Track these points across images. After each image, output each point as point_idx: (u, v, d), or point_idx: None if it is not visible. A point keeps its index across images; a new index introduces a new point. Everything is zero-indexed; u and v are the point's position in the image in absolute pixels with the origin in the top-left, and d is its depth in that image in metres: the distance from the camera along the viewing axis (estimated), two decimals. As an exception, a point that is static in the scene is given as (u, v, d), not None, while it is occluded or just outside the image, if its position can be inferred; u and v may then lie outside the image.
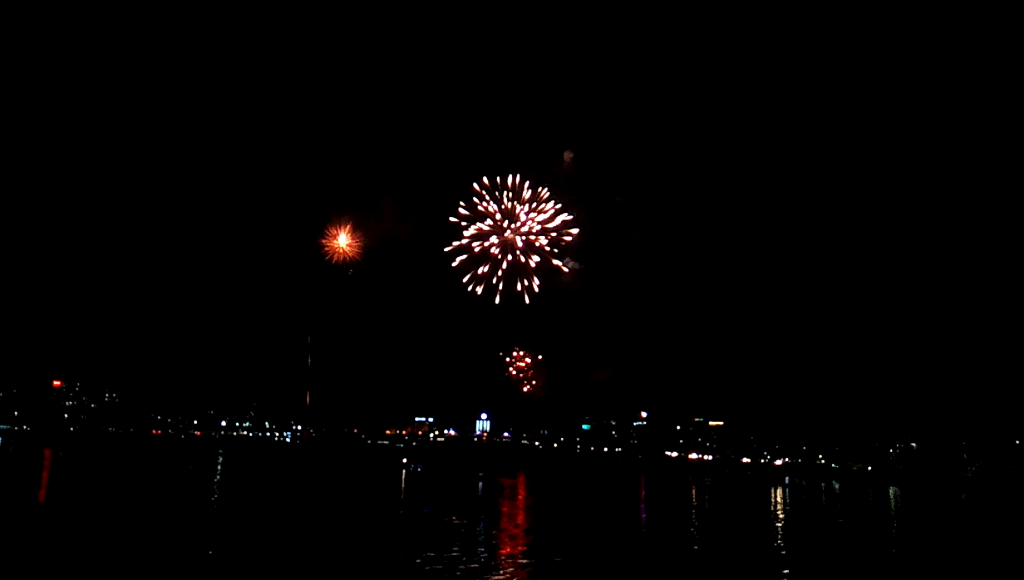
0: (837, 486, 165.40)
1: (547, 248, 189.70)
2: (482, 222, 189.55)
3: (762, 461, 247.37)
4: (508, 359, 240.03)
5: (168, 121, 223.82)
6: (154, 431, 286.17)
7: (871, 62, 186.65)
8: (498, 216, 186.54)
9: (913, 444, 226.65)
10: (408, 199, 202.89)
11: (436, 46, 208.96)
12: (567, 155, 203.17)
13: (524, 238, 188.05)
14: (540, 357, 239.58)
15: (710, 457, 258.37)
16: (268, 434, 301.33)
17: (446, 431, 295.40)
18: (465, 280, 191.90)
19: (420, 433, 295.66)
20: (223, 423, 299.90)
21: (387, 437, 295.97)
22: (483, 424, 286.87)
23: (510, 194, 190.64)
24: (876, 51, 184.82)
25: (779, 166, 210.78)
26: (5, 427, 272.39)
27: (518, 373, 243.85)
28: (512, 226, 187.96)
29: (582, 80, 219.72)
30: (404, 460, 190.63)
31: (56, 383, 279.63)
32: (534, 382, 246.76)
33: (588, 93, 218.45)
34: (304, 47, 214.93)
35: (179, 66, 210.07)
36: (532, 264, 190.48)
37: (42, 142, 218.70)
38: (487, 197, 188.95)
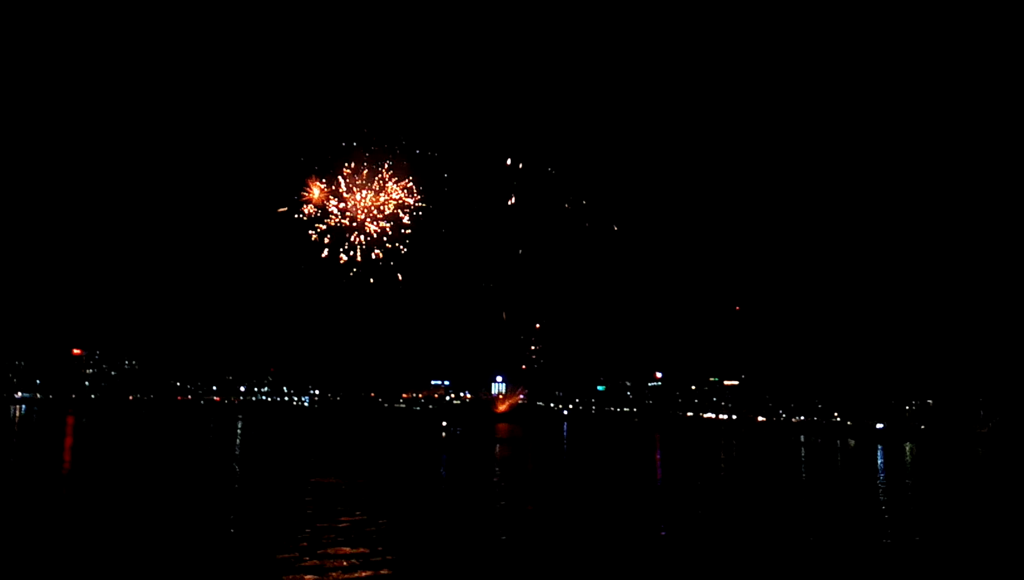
0: (853, 443, 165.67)
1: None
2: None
3: (778, 419, 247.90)
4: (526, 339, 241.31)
5: (188, 95, 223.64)
6: (179, 398, 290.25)
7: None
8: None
9: (929, 401, 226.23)
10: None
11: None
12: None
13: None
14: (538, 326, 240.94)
15: (725, 416, 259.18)
16: (286, 399, 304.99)
17: (462, 394, 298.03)
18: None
19: (436, 396, 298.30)
20: (242, 389, 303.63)
21: (404, 400, 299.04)
22: (498, 386, 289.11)
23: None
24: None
25: (797, 124, 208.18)
26: (28, 395, 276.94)
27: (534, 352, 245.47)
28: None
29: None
30: (444, 423, 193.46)
31: (76, 351, 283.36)
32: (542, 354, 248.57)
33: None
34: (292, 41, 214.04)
35: (192, 54, 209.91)
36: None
37: (52, 123, 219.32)
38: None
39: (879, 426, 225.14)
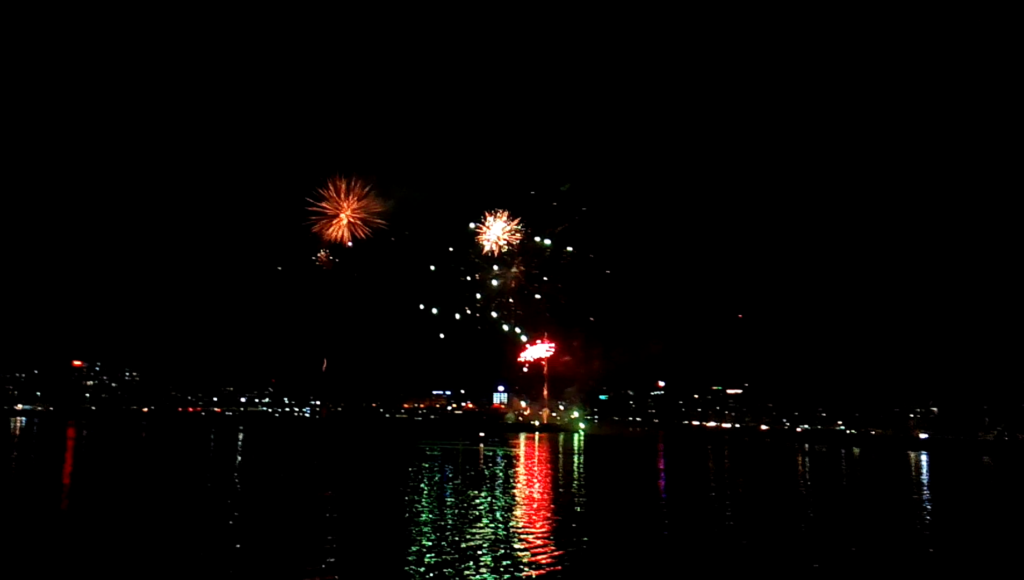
0: (857, 452, 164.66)
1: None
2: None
3: (781, 428, 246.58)
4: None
5: (192, 106, 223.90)
6: (179, 409, 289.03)
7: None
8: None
9: (934, 408, 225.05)
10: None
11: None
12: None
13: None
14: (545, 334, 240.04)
15: (729, 425, 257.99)
16: (287, 409, 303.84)
17: (463, 403, 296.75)
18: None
19: (438, 406, 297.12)
20: (242, 399, 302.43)
21: (405, 410, 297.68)
22: (500, 397, 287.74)
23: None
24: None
25: (800, 131, 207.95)
26: (29, 407, 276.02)
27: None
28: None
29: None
30: (482, 434, 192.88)
31: (77, 363, 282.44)
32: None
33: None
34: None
35: (194, 61, 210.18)
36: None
37: (59, 131, 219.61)
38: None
39: (883, 434, 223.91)
